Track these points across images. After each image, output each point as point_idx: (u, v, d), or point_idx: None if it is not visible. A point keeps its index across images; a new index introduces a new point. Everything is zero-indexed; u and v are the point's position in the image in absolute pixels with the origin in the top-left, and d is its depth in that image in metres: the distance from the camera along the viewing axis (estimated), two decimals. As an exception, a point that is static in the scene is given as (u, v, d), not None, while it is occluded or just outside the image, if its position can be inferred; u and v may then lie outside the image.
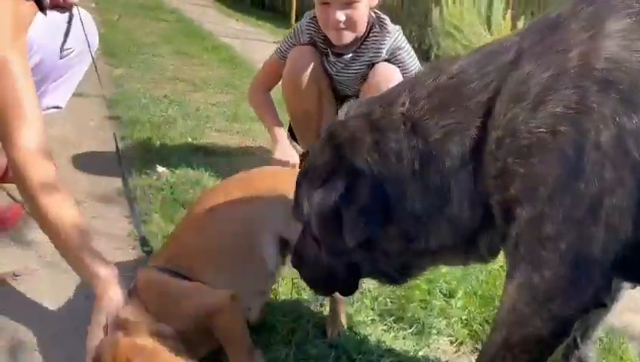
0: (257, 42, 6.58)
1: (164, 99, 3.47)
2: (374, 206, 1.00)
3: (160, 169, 2.29)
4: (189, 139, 2.80)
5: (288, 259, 1.39)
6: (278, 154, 2.23)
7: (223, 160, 2.61)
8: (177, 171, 2.33)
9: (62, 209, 1.33)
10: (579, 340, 1.25)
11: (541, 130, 0.85)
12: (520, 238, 0.89)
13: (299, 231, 1.22)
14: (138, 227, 1.68)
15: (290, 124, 2.54)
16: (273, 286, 1.52)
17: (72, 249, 1.30)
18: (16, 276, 1.55)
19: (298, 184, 1.14)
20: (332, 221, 1.03)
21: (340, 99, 2.42)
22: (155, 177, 2.25)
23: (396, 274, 1.16)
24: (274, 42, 6.57)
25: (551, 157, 0.85)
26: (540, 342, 0.92)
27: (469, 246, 1.07)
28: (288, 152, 2.23)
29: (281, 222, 1.33)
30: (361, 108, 1.08)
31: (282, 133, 2.31)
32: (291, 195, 1.27)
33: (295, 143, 2.57)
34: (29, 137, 1.37)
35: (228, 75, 4.43)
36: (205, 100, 3.63)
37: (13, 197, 1.95)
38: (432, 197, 0.98)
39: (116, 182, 2.18)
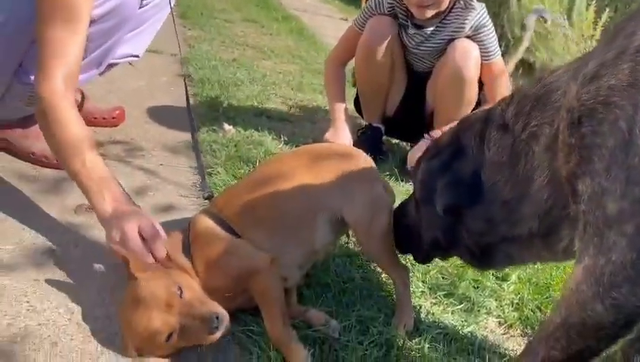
0: (326, 17, 6.57)
1: (233, 62, 3.55)
2: (465, 179, 1.12)
3: (227, 127, 2.35)
4: (255, 103, 2.86)
5: (340, 238, 1.48)
6: (329, 135, 2.24)
7: (285, 126, 2.66)
8: (242, 131, 2.39)
9: (92, 151, 1.42)
10: None
11: (592, 101, 0.86)
12: (587, 217, 0.87)
13: (356, 213, 1.35)
14: (202, 174, 1.74)
15: (356, 95, 2.54)
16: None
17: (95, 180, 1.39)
18: (90, 209, 1.65)
19: (422, 155, 1.31)
20: (429, 186, 1.20)
21: (412, 73, 2.40)
22: (221, 134, 2.32)
23: (478, 252, 1.20)
24: (341, 18, 6.55)
25: (602, 127, 0.84)
26: (599, 330, 0.88)
27: (550, 237, 1.07)
28: (340, 134, 2.23)
29: (339, 203, 1.34)
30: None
31: (341, 113, 2.30)
32: (354, 177, 1.38)
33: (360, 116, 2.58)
34: (62, 78, 1.42)
35: (295, 46, 4.47)
36: (272, 68, 3.69)
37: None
38: (520, 185, 1.05)
39: (184, 136, 2.27)
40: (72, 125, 1.41)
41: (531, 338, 1.11)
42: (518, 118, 1.05)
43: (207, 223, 1.30)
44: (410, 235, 1.38)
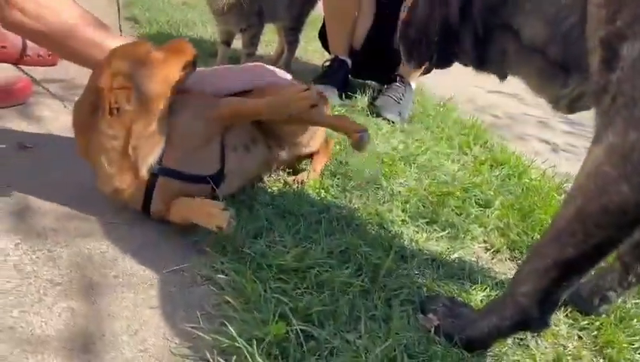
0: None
1: (183, 6, 3.29)
2: None
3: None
4: (210, 44, 2.65)
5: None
6: None
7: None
8: (197, 69, 2.19)
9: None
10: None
11: None
12: (620, 87, 0.75)
13: None
14: None
15: (322, 26, 2.37)
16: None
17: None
18: (28, 147, 1.45)
19: None
20: None
21: (381, 3, 2.24)
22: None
23: (481, 36, 1.05)
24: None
25: None
26: (622, 215, 0.77)
27: (555, 71, 0.94)
28: None
29: None
30: None
31: None
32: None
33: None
34: None
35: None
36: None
37: (25, 72, 1.84)
38: None
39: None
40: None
41: (535, 244, 0.98)
42: None
43: None
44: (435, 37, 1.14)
